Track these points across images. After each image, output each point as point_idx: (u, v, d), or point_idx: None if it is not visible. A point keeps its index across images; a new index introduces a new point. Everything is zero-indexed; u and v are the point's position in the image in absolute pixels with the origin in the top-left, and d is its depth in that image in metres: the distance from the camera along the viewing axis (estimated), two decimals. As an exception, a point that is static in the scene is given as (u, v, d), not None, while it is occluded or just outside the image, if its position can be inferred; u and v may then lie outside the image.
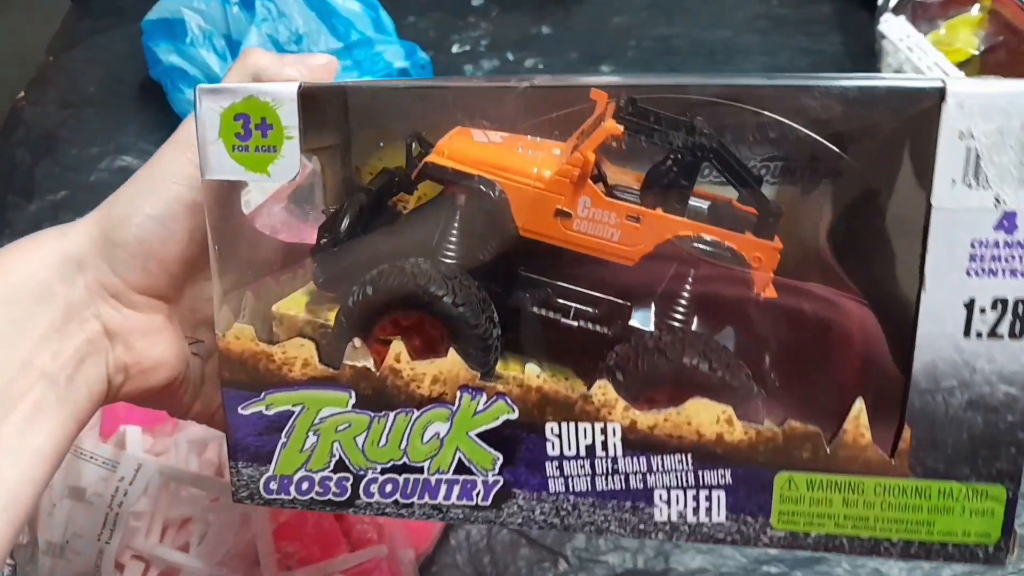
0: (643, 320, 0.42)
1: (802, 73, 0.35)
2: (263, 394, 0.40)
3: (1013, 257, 0.33)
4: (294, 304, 0.44)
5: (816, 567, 0.66)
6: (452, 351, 0.39)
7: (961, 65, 0.74)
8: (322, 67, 0.47)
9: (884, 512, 0.37)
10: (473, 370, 0.39)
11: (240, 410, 0.40)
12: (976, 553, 0.37)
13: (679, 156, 0.40)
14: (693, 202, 0.41)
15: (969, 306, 0.34)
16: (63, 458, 0.41)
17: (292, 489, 0.40)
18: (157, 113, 0.94)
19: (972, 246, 0.34)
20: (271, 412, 0.40)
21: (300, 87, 0.37)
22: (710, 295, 0.41)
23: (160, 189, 0.43)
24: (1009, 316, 0.34)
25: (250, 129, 0.37)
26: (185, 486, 0.62)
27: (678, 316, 0.41)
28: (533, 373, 0.38)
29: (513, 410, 0.38)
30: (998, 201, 0.33)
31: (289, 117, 0.37)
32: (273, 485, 0.40)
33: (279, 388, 0.40)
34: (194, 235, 0.43)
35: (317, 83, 0.38)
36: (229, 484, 0.41)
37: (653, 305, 0.42)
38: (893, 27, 0.79)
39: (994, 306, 0.34)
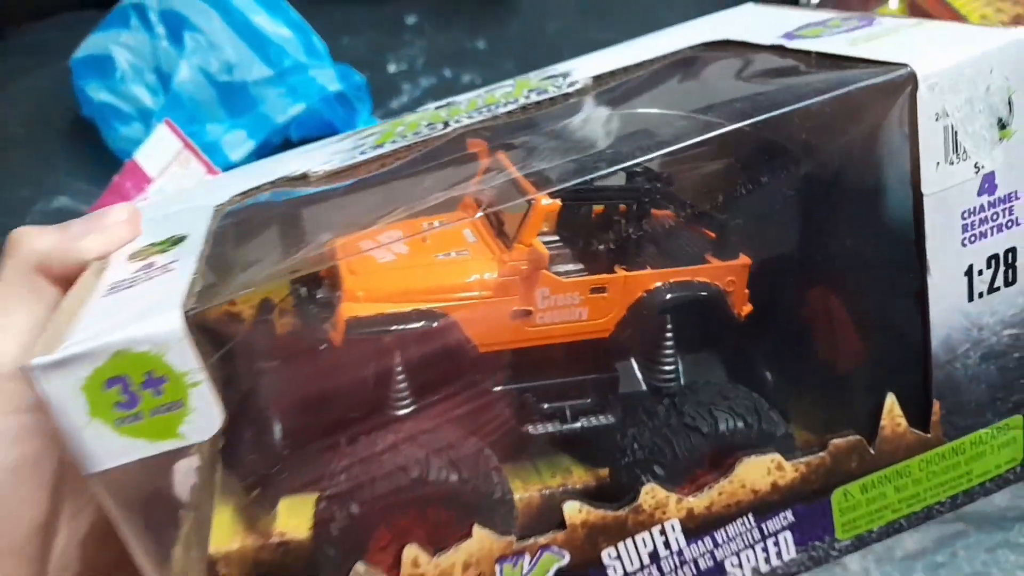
0: (627, 376, 0.37)
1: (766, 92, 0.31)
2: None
3: (997, 215, 0.33)
4: (227, 533, 0.35)
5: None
6: (476, 528, 0.32)
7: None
8: (124, 224, 0.36)
9: (930, 481, 0.37)
10: (505, 536, 0.32)
11: None
12: (1008, 478, 0.38)
13: (623, 205, 0.35)
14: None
15: (968, 273, 0.34)
16: None
17: None
18: (90, 152, 0.89)
19: (963, 217, 0.33)
20: None
21: (188, 315, 0.26)
22: (688, 330, 0.38)
23: None
24: (1002, 268, 0.34)
25: (134, 392, 0.26)
26: None
27: (667, 368, 0.37)
28: (573, 510, 0.33)
29: (563, 556, 0.33)
30: (977, 168, 0.32)
31: (184, 360, 0.27)
32: None
33: (283, 658, 0.31)
34: (37, 498, 0.32)
35: (206, 305, 0.28)
36: None
37: (634, 363, 0.38)
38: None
39: (988, 264, 0.34)
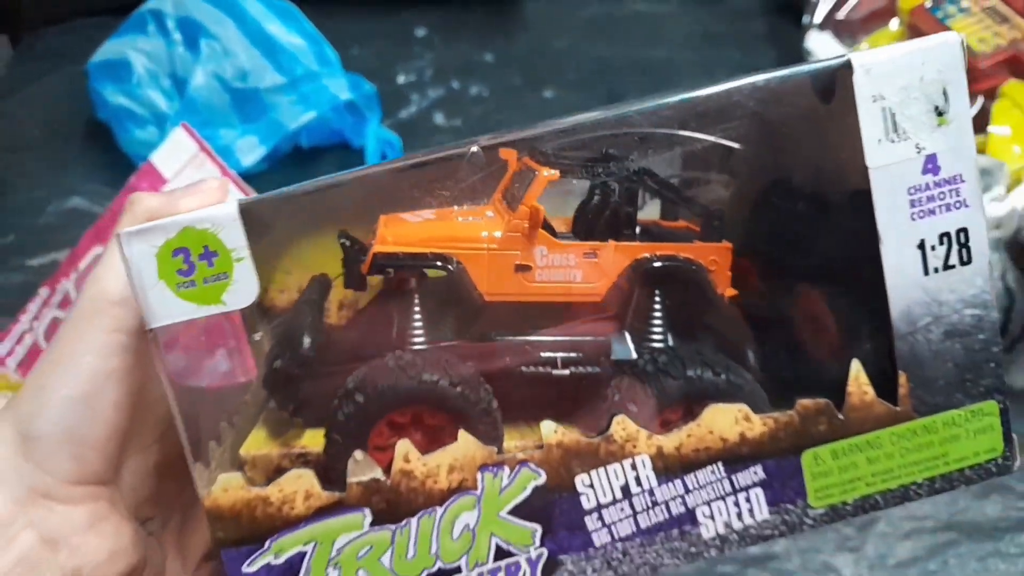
0: (622, 351, 0.42)
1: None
2: (268, 543, 0.36)
3: (944, 194, 0.37)
4: (259, 442, 0.41)
5: (769, 564, 0.63)
6: (462, 433, 0.37)
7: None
8: (216, 190, 0.45)
9: (904, 458, 0.39)
10: (488, 446, 0.37)
11: (245, 568, 0.36)
12: (989, 469, 0.39)
13: (616, 186, 0.41)
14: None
15: (921, 247, 0.37)
16: None
17: (325, 637, 0.36)
18: (104, 154, 0.92)
19: (910, 193, 0.37)
20: (281, 560, 0.36)
21: (240, 204, 0.34)
22: (678, 308, 0.42)
23: (73, 366, 0.38)
24: (955, 246, 0.37)
25: (193, 262, 0.34)
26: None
27: (656, 337, 0.42)
28: (550, 430, 0.37)
29: (539, 474, 0.37)
30: (919, 148, 0.36)
31: (234, 239, 0.34)
32: (301, 640, 0.36)
33: (285, 530, 0.36)
34: (121, 405, 0.39)
35: (257, 197, 0.36)
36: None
37: (627, 334, 0.42)
38: (818, 43, 0.85)
39: (941, 241, 0.37)
